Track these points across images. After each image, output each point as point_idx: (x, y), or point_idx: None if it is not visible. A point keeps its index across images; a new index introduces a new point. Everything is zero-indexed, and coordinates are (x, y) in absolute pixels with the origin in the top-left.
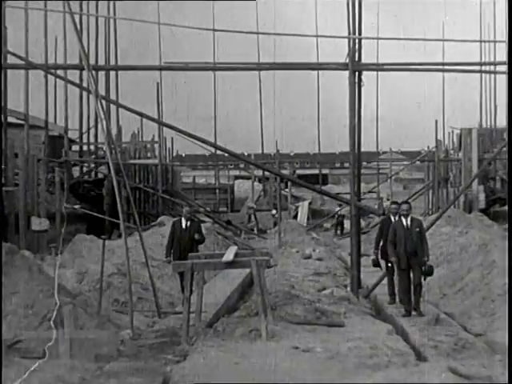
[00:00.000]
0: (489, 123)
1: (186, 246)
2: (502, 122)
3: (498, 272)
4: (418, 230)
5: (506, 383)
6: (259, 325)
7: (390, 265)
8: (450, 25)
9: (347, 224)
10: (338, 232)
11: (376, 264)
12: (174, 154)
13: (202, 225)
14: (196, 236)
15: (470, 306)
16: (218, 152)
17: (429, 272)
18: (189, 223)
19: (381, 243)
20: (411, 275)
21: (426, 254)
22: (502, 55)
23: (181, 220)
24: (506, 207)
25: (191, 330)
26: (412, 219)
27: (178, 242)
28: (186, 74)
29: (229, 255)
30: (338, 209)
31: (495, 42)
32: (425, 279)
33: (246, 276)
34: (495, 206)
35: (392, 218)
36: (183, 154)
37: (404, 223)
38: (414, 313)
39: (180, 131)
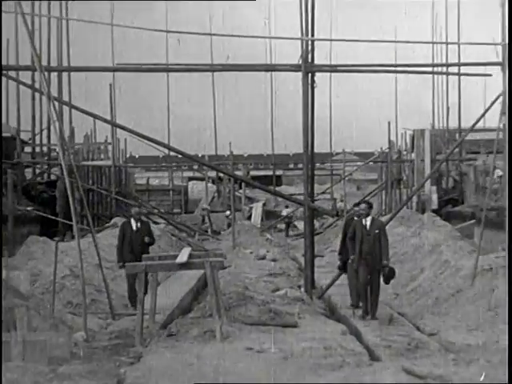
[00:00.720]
0: (441, 124)
1: (136, 247)
2: (453, 123)
3: (451, 272)
4: (377, 231)
5: (506, 383)
6: (213, 326)
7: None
8: (403, 27)
9: (300, 225)
10: (290, 233)
11: (341, 268)
12: (128, 156)
13: (156, 226)
14: (146, 239)
15: (423, 305)
16: (172, 153)
17: (390, 275)
18: (139, 224)
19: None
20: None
21: (386, 256)
22: (454, 57)
23: (130, 221)
24: (456, 207)
25: (145, 331)
26: (373, 220)
27: (128, 244)
28: (141, 76)
29: (182, 256)
30: (284, 211)
31: (447, 43)
32: (387, 283)
33: (200, 277)
34: (448, 206)
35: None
36: (137, 156)
37: (363, 223)
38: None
39: (133, 132)
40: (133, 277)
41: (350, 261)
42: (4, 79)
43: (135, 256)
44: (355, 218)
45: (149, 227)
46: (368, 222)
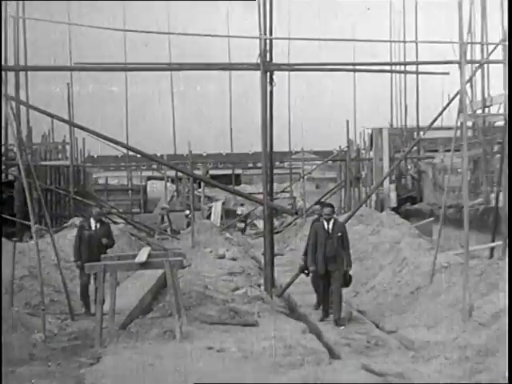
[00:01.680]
0: (399, 123)
1: (94, 248)
2: (412, 121)
3: (410, 269)
4: (339, 234)
5: (506, 383)
6: (173, 326)
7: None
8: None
9: (260, 224)
10: (250, 232)
11: (303, 271)
12: (86, 156)
13: (115, 226)
14: (104, 240)
15: (383, 303)
16: (131, 153)
17: (347, 282)
18: (98, 225)
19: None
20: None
21: (348, 262)
22: (412, 55)
23: (89, 221)
24: (414, 205)
25: (104, 332)
26: (335, 223)
27: (86, 244)
28: (100, 76)
29: (142, 256)
30: (239, 210)
31: (404, 42)
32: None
33: (160, 277)
34: (406, 204)
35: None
36: (95, 156)
37: (325, 227)
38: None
39: (91, 132)
40: (87, 278)
41: (311, 270)
42: None
43: (92, 257)
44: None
45: (108, 228)
46: (330, 225)
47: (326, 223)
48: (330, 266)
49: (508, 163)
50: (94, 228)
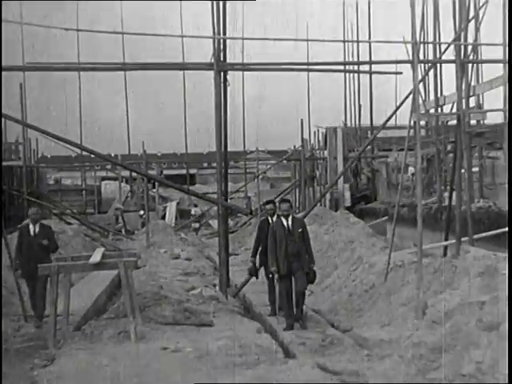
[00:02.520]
0: (353, 122)
1: (34, 254)
2: (365, 120)
3: (364, 268)
4: (300, 231)
5: (506, 383)
6: (128, 326)
7: (270, 275)
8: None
9: (214, 223)
10: (205, 231)
11: (253, 273)
12: (39, 156)
13: (69, 227)
14: (44, 242)
15: (338, 302)
16: (85, 153)
17: (313, 279)
18: (37, 228)
19: (259, 249)
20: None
21: (312, 258)
22: (365, 55)
23: (28, 226)
24: (368, 204)
25: (58, 333)
26: (293, 219)
27: (26, 249)
28: (54, 76)
29: (96, 257)
30: (193, 210)
31: (358, 42)
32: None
33: (114, 278)
34: (360, 203)
35: (269, 220)
36: (49, 156)
37: (284, 224)
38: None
39: (44, 132)
40: (34, 282)
41: (272, 270)
42: None
43: (32, 265)
44: (269, 219)
45: (49, 231)
46: (289, 221)
47: (284, 220)
48: (292, 265)
49: (508, 163)
50: (32, 233)
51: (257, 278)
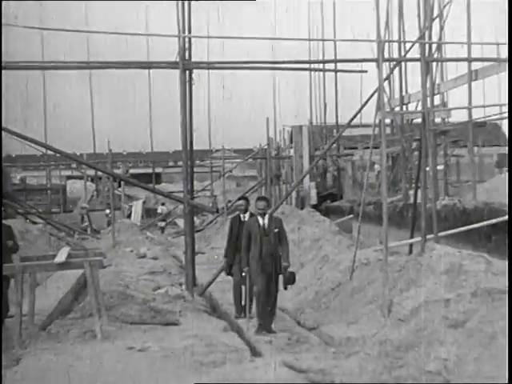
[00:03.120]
0: (319, 121)
1: None
2: (331, 119)
3: (330, 266)
4: (277, 230)
5: (506, 383)
6: (94, 326)
7: (243, 274)
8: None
9: (181, 222)
10: (171, 230)
11: (229, 272)
12: (4, 155)
13: (35, 226)
14: (9, 243)
15: (304, 300)
16: (50, 152)
17: (290, 280)
18: None
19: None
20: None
21: (287, 258)
22: (330, 54)
23: None
24: (334, 202)
25: (24, 333)
26: (270, 218)
27: None
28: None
29: (61, 256)
30: (159, 209)
31: (323, 40)
32: (285, 288)
33: (80, 277)
34: (326, 201)
35: (241, 217)
36: (13, 155)
37: (260, 223)
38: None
39: (9, 132)
40: None
41: (244, 273)
42: None
43: None
44: (241, 216)
45: (10, 231)
46: (266, 220)
47: (260, 218)
48: (267, 266)
49: (508, 162)
50: None
51: (232, 276)
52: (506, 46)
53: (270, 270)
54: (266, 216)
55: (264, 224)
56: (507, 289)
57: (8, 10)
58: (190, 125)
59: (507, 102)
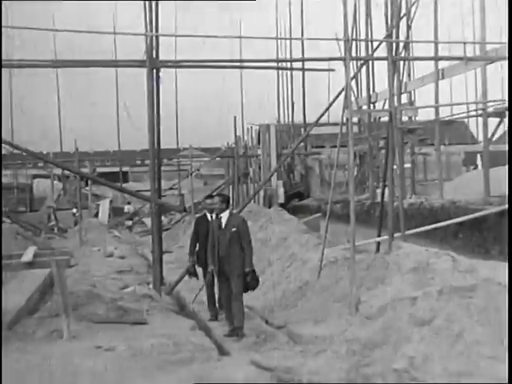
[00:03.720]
0: (286, 119)
1: None
2: (298, 117)
3: (298, 265)
4: (234, 230)
5: (506, 383)
6: (61, 325)
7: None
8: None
9: (148, 221)
10: (138, 229)
11: (192, 273)
12: None
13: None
14: None
15: (272, 299)
16: (16, 151)
17: (252, 284)
18: None
19: (197, 247)
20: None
21: (248, 261)
22: (298, 53)
23: None
24: (302, 201)
25: None
26: (230, 217)
27: None
28: None
29: (28, 255)
30: (126, 208)
31: (291, 39)
32: (246, 291)
33: (47, 276)
34: (294, 200)
35: (208, 216)
36: None
37: (219, 221)
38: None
39: None
40: None
41: (208, 270)
42: None
43: None
44: (207, 215)
45: None
46: (224, 219)
47: (218, 218)
48: (224, 266)
49: (508, 161)
50: None
51: (197, 278)
52: (507, 45)
53: (228, 271)
54: (225, 214)
55: (221, 223)
56: (507, 289)
57: None
58: (158, 123)
59: (507, 100)
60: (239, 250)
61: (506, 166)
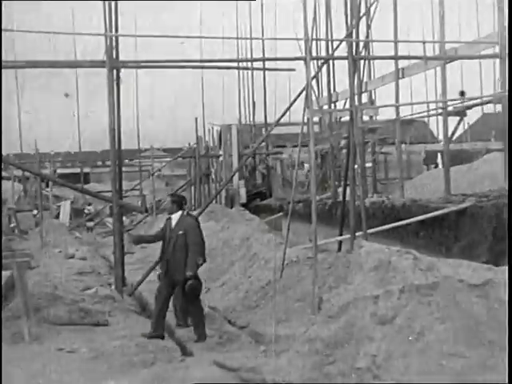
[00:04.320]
0: (248, 119)
1: None
2: (260, 118)
3: (260, 265)
4: (181, 232)
5: (506, 383)
6: (22, 328)
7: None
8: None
9: (109, 222)
10: (99, 230)
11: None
12: None
13: None
14: None
15: (234, 299)
16: None
17: (192, 290)
18: None
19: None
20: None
21: (190, 265)
22: (258, 52)
23: None
24: (264, 200)
25: None
26: (180, 218)
27: None
28: None
29: None
30: (86, 209)
31: (251, 39)
32: (187, 297)
33: (8, 279)
34: (256, 200)
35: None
36: None
37: (171, 223)
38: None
39: None
40: None
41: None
42: None
43: None
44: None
45: None
46: (174, 220)
47: (171, 219)
48: (170, 270)
49: (508, 161)
50: None
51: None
52: (507, 45)
53: (174, 275)
54: (175, 215)
55: (171, 225)
56: (507, 289)
57: None
58: (118, 124)
59: (507, 97)
60: (185, 254)
61: (466, 165)
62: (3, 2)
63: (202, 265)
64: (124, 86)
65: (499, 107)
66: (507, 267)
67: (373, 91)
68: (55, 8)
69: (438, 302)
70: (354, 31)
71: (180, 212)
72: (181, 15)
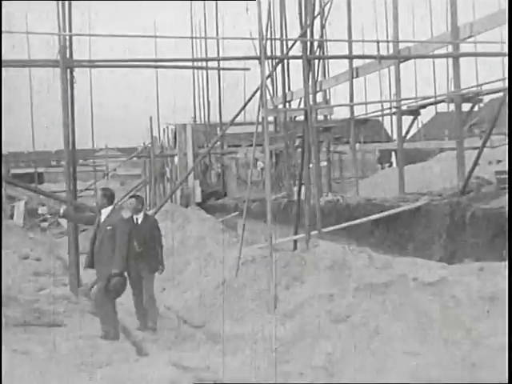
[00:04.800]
0: (203, 119)
1: None
2: (214, 117)
3: (215, 264)
4: (109, 228)
5: (506, 383)
6: None
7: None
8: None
9: (64, 222)
10: (54, 231)
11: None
12: None
13: None
14: None
15: (190, 298)
16: None
17: (115, 289)
18: None
19: None
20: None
21: (116, 262)
22: (213, 52)
23: None
24: (219, 200)
25: None
26: (111, 212)
27: None
28: None
29: None
30: (40, 209)
31: (206, 38)
32: (109, 295)
33: None
34: (211, 199)
35: (134, 218)
36: None
37: (99, 218)
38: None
39: None
40: None
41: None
42: None
43: None
44: (134, 217)
45: None
46: (103, 215)
47: (102, 213)
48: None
49: (508, 160)
50: None
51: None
52: (507, 45)
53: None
54: (105, 210)
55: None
56: (507, 289)
57: None
58: (72, 124)
59: (507, 96)
60: (112, 250)
61: (420, 164)
62: (3, 2)
63: (161, 273)
64: (78, 85)
65: (452, 106)
66: (507, 267)
67: (327, 90)
68: (12, 8)
69: (392, 300)
70: (309, 31)
71: (110, 207)
72: (144, 15)
